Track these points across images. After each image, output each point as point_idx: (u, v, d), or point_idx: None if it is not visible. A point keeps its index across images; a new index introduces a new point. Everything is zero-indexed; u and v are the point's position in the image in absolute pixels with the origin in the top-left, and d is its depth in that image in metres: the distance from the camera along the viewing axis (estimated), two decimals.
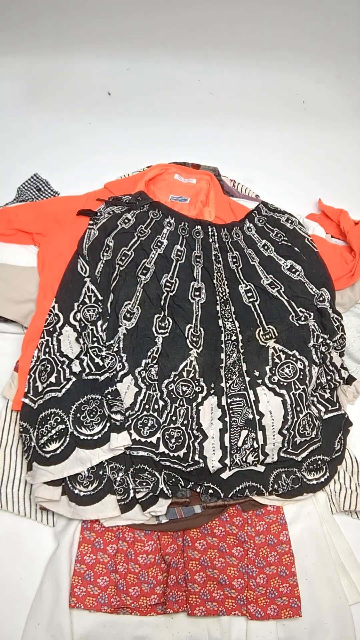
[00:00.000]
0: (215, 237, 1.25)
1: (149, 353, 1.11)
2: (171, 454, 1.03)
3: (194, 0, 1.63)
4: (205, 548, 1.04)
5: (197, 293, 1.18)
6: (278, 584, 1.02)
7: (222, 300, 1.18)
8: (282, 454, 1.07)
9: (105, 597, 1.00)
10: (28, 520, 1.09)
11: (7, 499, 1.08)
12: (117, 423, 1.02)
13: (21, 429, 1.05)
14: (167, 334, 1.13)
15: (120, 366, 1.09)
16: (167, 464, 1.04)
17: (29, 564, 1.05)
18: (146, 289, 1.17)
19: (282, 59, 1.73)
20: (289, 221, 1.28)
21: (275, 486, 1.06)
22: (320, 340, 1.15)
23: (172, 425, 1.05)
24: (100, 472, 1.02)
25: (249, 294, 1.19)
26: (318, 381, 1.14)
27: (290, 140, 1.65)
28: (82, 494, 1.01)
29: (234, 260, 1.23)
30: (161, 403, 1.07)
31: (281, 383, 1.08)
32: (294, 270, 1.22)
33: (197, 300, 1.17)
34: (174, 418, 1.06)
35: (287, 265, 1.22)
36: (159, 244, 1.21)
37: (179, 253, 1.22)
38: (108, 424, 1.03)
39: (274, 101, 1.73)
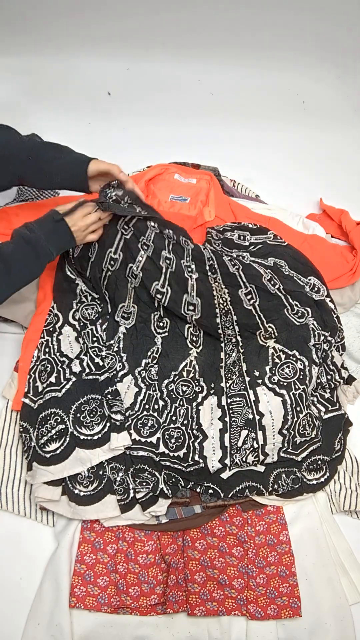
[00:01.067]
0: (208, 245, 1.20)
1: (149, 353, 1.10)
2: (171, 454, 1.03)
3: (194, 0, 1.62)
4: (205, 548, 1.04)
5: (192, 308, 1.11)
6: (278, 584, 1.02)
7: (223, 312, 1.13)
8: (282, 454, 1.07)
9: (105, 597, 1.00)
10: (28, 520, 1.09)
11: (7, 499, 1.08)
12: (117, 423, 1.02)
13: (21, 429, 1.05)
14: (166, 334, 1.13)
15: (120, 366, 1.09)
16: (167, 464, 1.04)
17: (29, 564, 1.05)
18: (138, 292, 1.13)
19: (282, 59, 1.72)
20: (241, 237, 1.23)
21: (275, 486, 1.06)
22: (322, 338, 1.14)
23: (172, 425, 1.05)
24: (100, 472, 1.02)
25: (249, 297, 1.14)
26: (318, 381, 1.14)
27: (290, 140, 1.65)
28: (82, 494, 1.01)
29: (233, 263, 1.16)
30: (161, 403, 1.07)
31: (281, 383, 1.08)
32: (279, 265, 1.18)
33: (190, 315, 1.11)
34: (174, 418, 1.06)
35: (271, 263, 1.19)
36: (145, 246, 1.10)
37: (168, 260, 1.11)
38: (108, 424, 1.03)
39: (274, 101, 1.73)
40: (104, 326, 1.12)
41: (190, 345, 1.13)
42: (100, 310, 1.13)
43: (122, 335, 1.12)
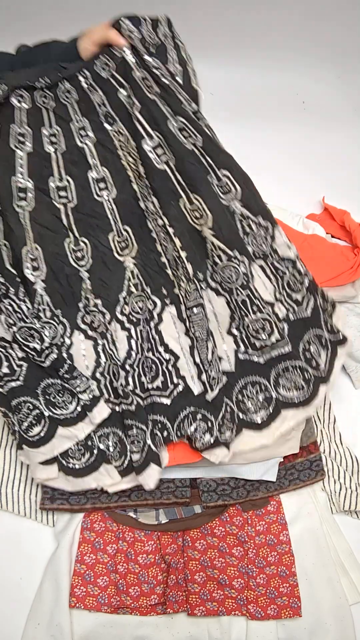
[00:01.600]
0: (91, 81, 0.90)
1: (82, 294, 0.94)
2: (151, 386, 0.96)
3: (194, 0, 1.63)
4: (205, 548, 1.04)
5: (103, 185, 0.91)
6: (278, 584, 1.02)
7: (137, 174, 0.92)
8: (240, 356, 0.97)
9: (105, 597, 1.00)
10: (28, 520, 1.09)
11: (7, 499, 1.08)
12: (88, 402, 0.95)
13: (2, 414, 1.00)
14: (90, 262, 0.94)
15: (62, 329, 0.95)
16: (152, 400, 0.97)
17: (29, 564, 1.06)
18: (35, 218, 0.90)
19: (282, 59, 1.73)
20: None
21: (240, 397, 0.97)
22: (255, 225, 0.95)
23: (143, 355, 0.96)
24: (90, 444, 0.97)
25: (159, 151, 0.89)
26: (272, 277, 0.97)
27: (290, 140, 1.65)
28: (77, 466, 0.97)
29: (129, 100, 0.89)
30: (124, 334, 0.95)
31: (223, 286, 0.96)
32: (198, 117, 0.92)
33: (105, 195, 0.92)
34: (142, 345, 0.96)
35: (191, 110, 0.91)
36: (19, 140, 0.88)
37: (54, 139, 0.90)
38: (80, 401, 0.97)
39: (274, 101, 1.73)
40: (19, 293, 0.92)
41: (120, 257, 0.94)
42: (2, 280, 0.91)
43: (43, 291, 0.93)
